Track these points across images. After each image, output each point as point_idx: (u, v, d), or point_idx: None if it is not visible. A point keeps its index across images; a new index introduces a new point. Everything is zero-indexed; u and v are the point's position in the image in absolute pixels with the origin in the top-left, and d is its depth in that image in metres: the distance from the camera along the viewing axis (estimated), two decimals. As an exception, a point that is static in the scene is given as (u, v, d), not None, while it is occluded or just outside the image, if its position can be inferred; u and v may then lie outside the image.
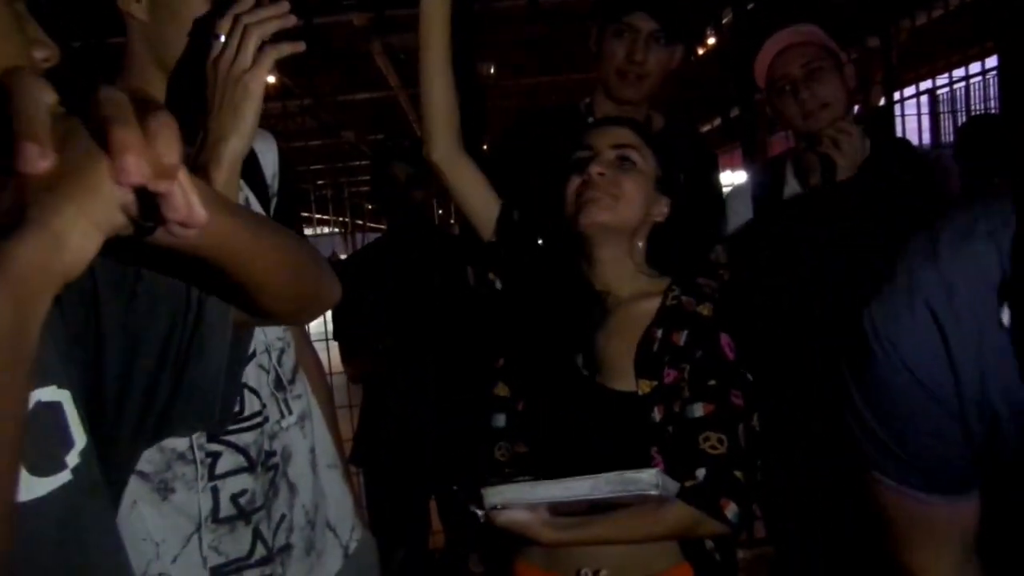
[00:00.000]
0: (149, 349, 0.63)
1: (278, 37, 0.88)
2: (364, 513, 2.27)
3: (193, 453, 0.98)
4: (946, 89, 6.23)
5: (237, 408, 1.00)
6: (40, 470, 0.53)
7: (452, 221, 3.41)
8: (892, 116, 4.33)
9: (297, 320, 1.04)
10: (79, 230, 0.43)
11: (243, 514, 1.01)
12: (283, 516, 1.06)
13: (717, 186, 1.87)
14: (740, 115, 3.57)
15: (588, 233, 1.20)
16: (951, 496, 0.79)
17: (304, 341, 1.32)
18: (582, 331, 1.20)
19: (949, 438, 0.73)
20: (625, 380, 1.16)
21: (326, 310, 0.90)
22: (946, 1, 4.13)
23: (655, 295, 1.21)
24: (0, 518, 0.44)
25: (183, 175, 0.45)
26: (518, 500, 1.06)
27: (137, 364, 0.62)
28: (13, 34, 0.57)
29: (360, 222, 9.16)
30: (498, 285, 1.34)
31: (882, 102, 4.26)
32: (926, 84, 6.46)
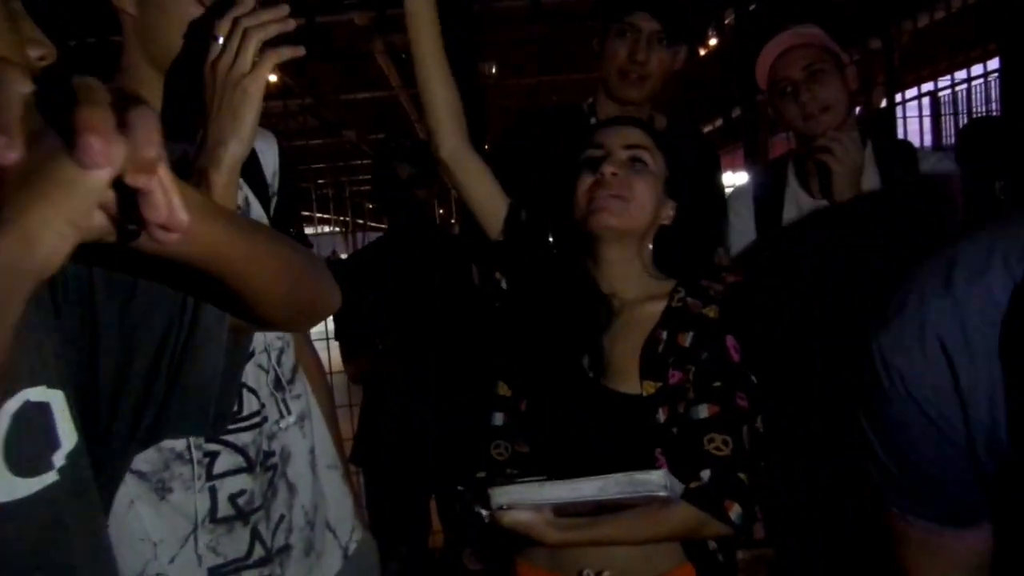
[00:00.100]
0: (144, 351, 0.62)
1: (278, 41, 0.88)
2: (364, 513, 2.28)
3: (190, 453, 0.97)
4: (947, 91, 6.23)
5: (235, 408, 1.00)
6: (24, 471, 0.53)
7: (453, 220, 3.41)
8: (894, 118, 4.33)
9: (295, 328, 1.03)
10: (53, 229, 0.41)
11: (241, 514, 1.01)
12: (282, 517, 1.06)
13: (720, 187, 1.87)
14: (742, 116, 3.57)
15: (598, 235, 1.20)
16: (959, 527, 0.78)
17: (304, 341, 1.31)
18: (588, 333, 1.20)
19: (956, 470, 0.72)
20: (630, 382, 1.16)
21: (325, 318, 0.90)
22: (948, 3, 4.12)
23: (660, 297, 1.21)
24: None
25: (165, 175, 0.44)
26: (525, 500, 1.06)
27: (132, 366, 0.62)
28: (7, 32, 0.57)
29: (361, 221, 9.16)
30: (504, 285, 1.33)
31: (883, 104, 4.26)
32: (927, 86, 6.45)
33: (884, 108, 4.25)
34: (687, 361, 1.15)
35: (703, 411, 1.13)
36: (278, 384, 1.08)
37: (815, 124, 1.58)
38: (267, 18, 0.87)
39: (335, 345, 2.48)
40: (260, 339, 1.07)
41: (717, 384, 1.13)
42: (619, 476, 1.02)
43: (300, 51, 0.89)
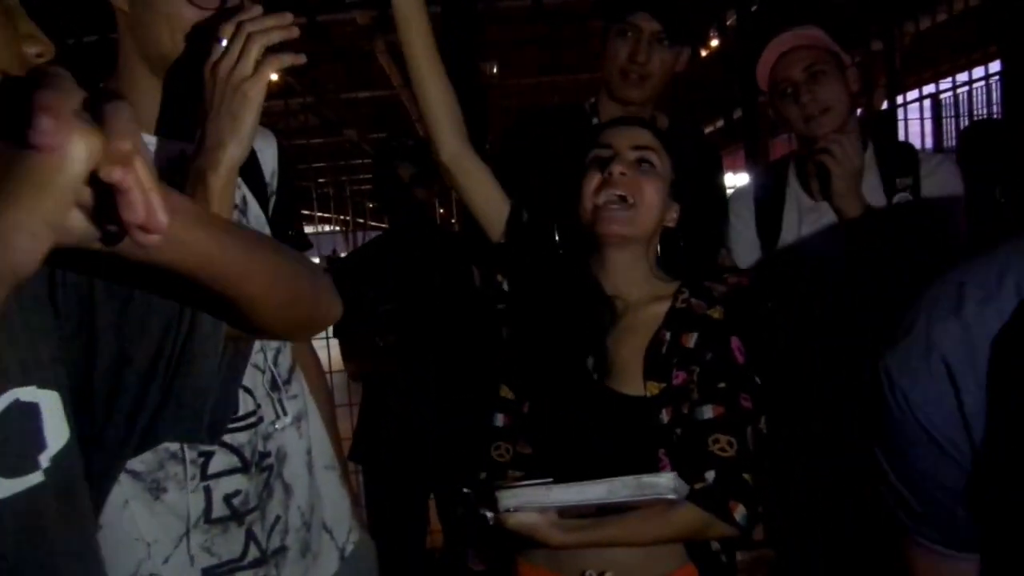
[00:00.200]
0: (141, 355, 0.62)
1: (280, 47, 0.88)
2: (362, 512, 2.28)
3: (184, 452, 0.97)
4: (949, 93, 6.22)
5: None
6: (7, 471, 0.53)
7: (453, 220, 3.41)
8: (895, 120, 4.33)
9: (293, 338, 1.03)
10: (27, 229, 0.41)
11: (236, 515, 1.00)
12: (278, 517, 1.06)
13: (721, 188, 1.87)
14: (743, 117, 3.57)
15: (604, 240, 1.20)
16: (970, 551, 0.78)
17: (304, 343, 1.31)
18: (592, 334, 1.20)
19: (962, 493, 0.72)
20: (634, 383, 1.16)
21: (324, 329, 0.89)
22: (950, 5, 4.12)
23: (665, 298, 1.21)
24: None
25: (144, 173, 0.43)
26: (532, 503, 1.06)
27: (128, 369, 0.62)
28: (3, 29, 0.57)
29: (361, 220, 9.15)
30: (505, 286, 1.33)
31: (885, 106, 4.26)
32: (929, 88, 6.45)
33: (885, 110, 4.25)
34: (691, 362, 1.15)
35: (708, 412, 1.13)
36: (274, 384, 1.08)
37: (816, 125, 1.57)
38: (271, 23, 0.86)
39: (335, 343, 2.48)
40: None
41: (722, 385, 1.14)
42: (627, 479, 1.02)
43: (301, 58, 0.89)
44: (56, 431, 0.56)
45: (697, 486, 1.10)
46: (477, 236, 1.39)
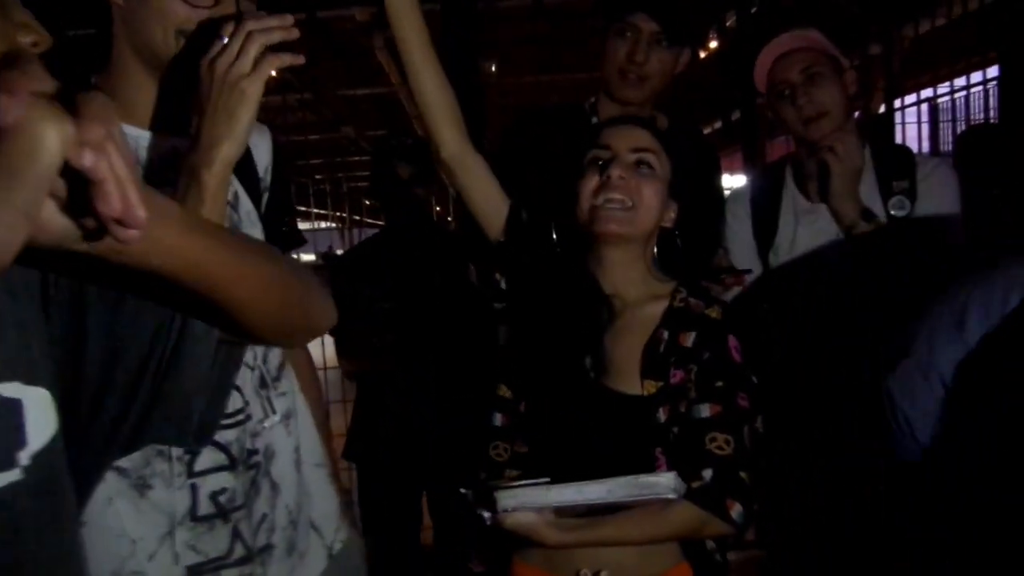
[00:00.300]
0: (131, 355, 0.62)
1: (279, 47, 0.87)
2: (355, 510, 2.27)
3: (170, 449, 0.96)
4: (946, 98, 6.23)
5: None
6: None
7: (450, 219, 3.40)
8: (892, 124, 4.34)
9: (284, 344, 1.02)
10: (1, 221, 0.40)
11: (222, 513, 1.00)
12: (264, 515, 1.05)
13: (719, 189, 1.87)
14: (741, 118, 3.57)
15: (602, 240, 1.20)
16: None
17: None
18: (589, 333, 1.20)
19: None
20: (631, 382, 1.16)
21: (317, 336, 0.89)
22: (949, 9, 4.13)
23: (662, 297, 1.21)
24: None
25: (119, 166, 0.43)
26: (531, 503, 1.06)
27: (117, 369, 0.62)
28: None
29: (358, 218, 9.15)
30: (503, 285, 1.32)
31: (882, 109, 4.27)
32: (926, 92, 6.46)
33: (883, 113, 4.26)
34: (689, 361, 1.16)
35: (705, 410, 1.13)
36: (263, 382, 1.07)
37: (813, 128, 1.58)
38: (273, 23, 0.86)
39: (329, 340, 2.47)
40: None
41: (719, 384, 1.14)
42: (627, 479, 1.02)
43: (300, 59, 0.88)
44: (39, 428, 0.55)
45: (694, 484, 1.10)
46: (475, 235, 1.39)
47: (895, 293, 1.42)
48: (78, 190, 0.43)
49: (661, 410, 1.15)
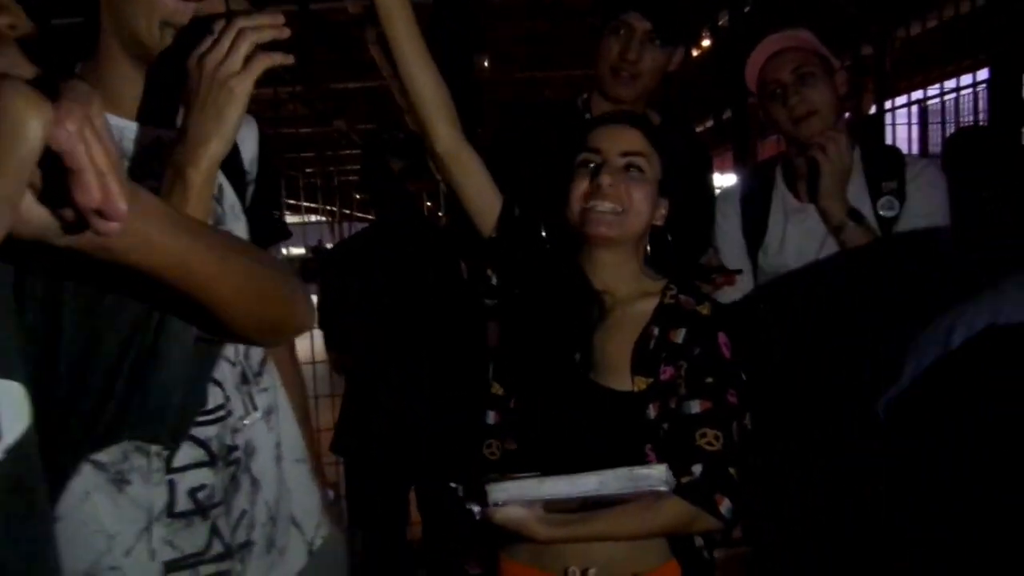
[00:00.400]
0: (108, 350, 0.61)
1: (270, 46, 0.86)
2: (342, 506, 2.27)
3: (148, 445, 0.95)
4: (936, 100, 6.27)
5: None
6: None
7: (440, 214, 3.40)
8: (882, 125, 4.36)
9: (264, 343, 1.01)
10: None
11: (200, 509, 0.99)
12: (244, 512, 1.04)
13: (710, 187, 1.88)
14: (732, 117, 3.59)
15: (593, 241, 1.21)
16: None
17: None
18: (580, 329, 1.20)
19: None
20: (621, 378, 1.17)
21: (296, 336, 0.89)
22: (941, 12, 4.15)
23: (653, 294, 1.22)
24: None
25: (101, 157, 0.42)
26: (524, 496, 1.06)
27: (94, 364, 0.61)
28: None
29: (348, 211, 9.13)
30: (494, 281, 1.32)
31: (873, 110, 4.29)
32: (917, 94, 6.50)
33: (874, 115, 4.28)
34: (679, 357, 1.16)
35: (695, 406, 1.14)
36: (244, 378, 1.06)
37: (803, 127, 1.58)
38: (264, 21, 0.85)
39: (318, 334, 2.47)
40: None
41: (709, 380, 1.14)
42: (619, 471, 1.02)
43: (290, 59, 0.87)
44: (12, 423, 0.54)
45: (684, 480, 1.10)
46: (467, 230, 1.38)
47: (890, 298, 1.43)
48: (57, 180, 0.43)
49: (651, 406, 1.15)
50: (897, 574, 0.88)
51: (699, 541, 1.18)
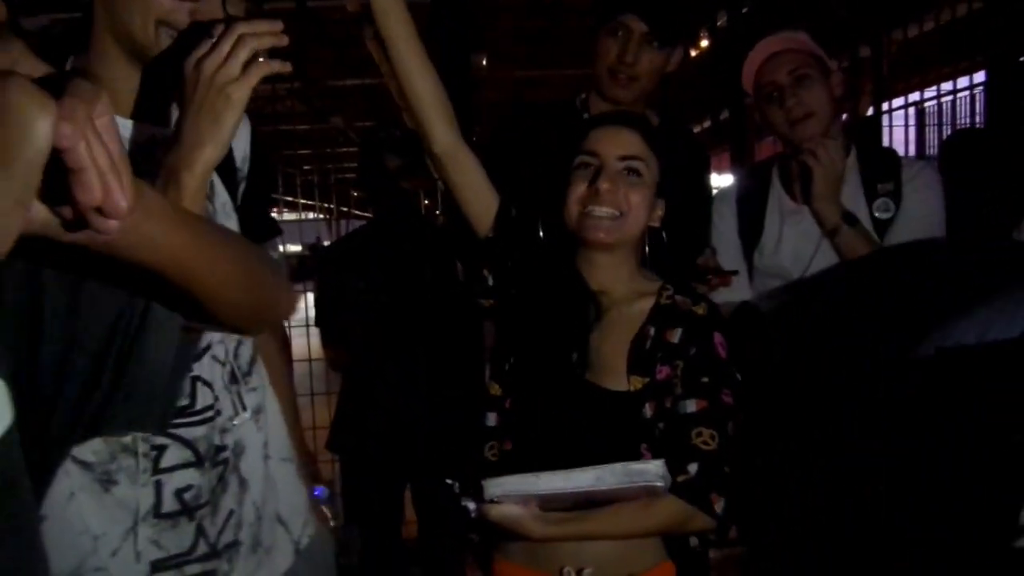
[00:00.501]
0: (91, 340, 0.61)
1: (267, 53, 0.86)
2: (339, 502, 2.27)
3: (136, 445, 0.94)
4: (933, 102, 6.28)
5: (188, 402, 0.98)
6: None
7: (438, 212, 3.40)
8: (879, 126, 4.37)
9: (247, 331, 1.00)
10: None
11: (187, 510, 0.98)
12: (231, 512, 1.04)
13: (708, 188, 1.88)
14: (730, 118, 3.59)
15: (591, 247, 1.21)
16: None
17: (267, 332, 1.27)
18: (576, 330, 1.20)
19: None
20: (617, 378, 1.17)
21: (278, 322, 0.89)
22: (938, 15, 4.16)
23: (649, 295, 1.22)
24: None
25: (101, 157, 0.42)
26: (520, 491, 1.06)
27: (77, 354, 0.61)
28: None
29: (345, 209, 9.12)
30: (490, 282, 1.32)
31: (870, 112, 4.30)
32: (914, 96, 6.51)
33: (871, 116, 4.29)
34: (675, 357, 1.17)
35: (691, 406, 1.14)
36: (234, 378, 1.05)
37: (799, 129, 1.59)
38: (263, 28, 0.84)
39: (315, 331, 2.47)
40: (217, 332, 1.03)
41: (705, 380, 1.15)
42: (615, 466, 1.03)
43: (288, 67, 0.87)
44: None
45: (679, 479, 1.11)
46: (463, 230, 1.38)
47: (887, 309, 1.44)
48: (58, 178, 0.43)
49: (647, 406, 1.16)
50: (897, 574, 0.88)
51: (694, 541, 1.19)
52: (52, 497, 0.88)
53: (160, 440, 0.96)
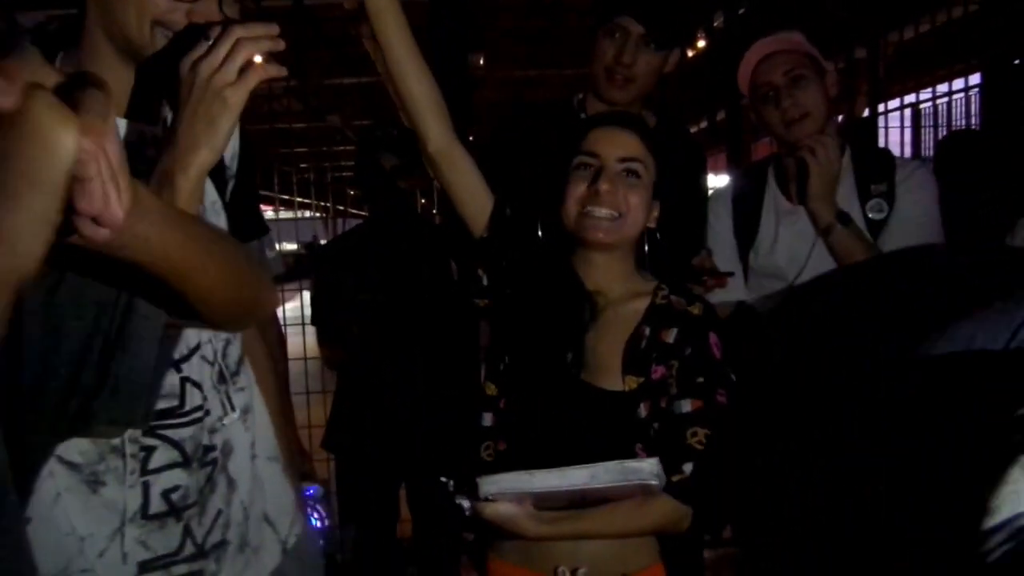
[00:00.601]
0: (73, 338, 0.61)
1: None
2: (334, 501, 2.27)
3: (124, 446, 0.93)
4: (929, 104, 6.29)
5: (177, 402, 0.97)
6: None
7: (435, 211, 3.40)
8: (875, 128, 4.38)
9: (230, 328, 1.00)
10: (28, 231, 0.41)
11: (174, 511, 0.98)
12: (219, 512, 1.03)
13: (704, 188, 1.88)
14: (726, 119, 3.60)
15: (589, 246, 1.22)
16: None
17: (253, 330, 1.26)
18: (572, 329, 1.21)
19: None
20: (612, 378, 1.17)
21: (259, 320, 0.89)
22: (933, 17, 4.17)
23: (645, 295, 1.22)
24: None
25: (105, 166, 0.43)
26: (514, 489, 1.06)
27: (59, 353, 0.61)
28: None
29: (342, 207, 9.12)
30: (485, 281, 1.32)
31: (866, 113, 4.31)
32: (910, 98, 6.52)
33: (867, 118, 4.30)
34: (670, 357, 1.17)
35: (686, 406, 1.15)
36: (222, 378, 1.05)
37: (795, 129, 1.59)
38: (261, 32, 0.84)
39: (311, 330, 2.47)
40: (206, 331, 1.03)
41: (700, 380, 1.16)
42: (610, 464, 1.03)
43: (284, 71, 0.87)
44: None
45: (674, 478, 1.11)
46: (458, 230, 1.38)
47: (885, 314, 1.44)
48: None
49: (642, 406, 1.16)
50: (897, 574, 0.88)
51: (687, 541, 1.19)
52: (38, 499, 0.87)
53: (149, 441, 0.96)
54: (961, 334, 0.70)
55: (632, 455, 1.15)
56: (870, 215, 1.61)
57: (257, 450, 1.11)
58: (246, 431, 1.09)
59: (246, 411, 1.09)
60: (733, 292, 1.69)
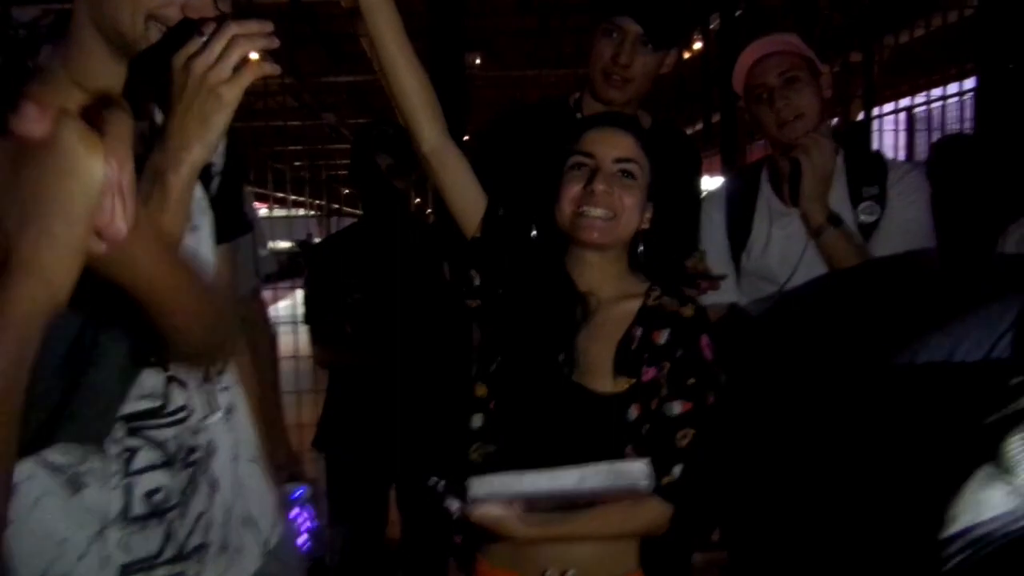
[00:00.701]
0: (49, 353, 0.60)
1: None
2: (323, 501, 2.25)
3: (107, 447, 0.92)
4: (923, 107, 6.31)
5: (161, 402, 0.96)
6: None
7: (428, 211, 3.40)
8: (869, 131, 4.39)
9: (191, 363, 0.98)
10: (64, 264, 0.43)
11: (156, 512, 0.97)
12: (201, 514, 1.02)
13: (698, 190, 1.88)
14: (721, 121, 3.60)
15: (583, 247, 1.22)
16: None
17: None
18: (564, 330, 1.21)
19: None
20: (603, 379, 1.17)
21: (223, 360, 0.90)
22: (928, 21, 4.19)
23: (636, 296, 1.22)
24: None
25: (117, 186, 0.44)
26: (504, 491, 1.06)
27: (42, 364, 0.60)
28: None
29: (336, 205, 9.10)
30: (476, 282, 1.32)
31: (860, 117, 4.32)
32: (904, 102, 6.54)
33: (861, 121, 4.31)
34: (662, 358, 1.17)
35: (677, 407, 1.15)
36: (207, 376, 1.04)
37: (789, 131, 1.59)
38: (256, 29, 0.83)
39: (303, 329, 2.46)
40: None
41: (691, 381, 1.16)
42: (600, 466, 1.03)
43: (278, 69, 0.87)
44: None
45: (664, 480, 1.11)
46: (451, 230, 1.37)
47: (878, 319, 1.44)
48: None
49: (632, 407, 1.16)
50: (897, 574, 0.89)
51: (670, 545, 1.19)
52: (16, 502, 0.86)
53: (132, 442, 0.94)
54: (945, 342, 0.70)
55: (622, 457, 1.14)
56: (862, 218, 1.61)
57: (239, 451, 1.10)
58: (229, 431, 1.08)
59: (229, 411, 1.08)
60: (725, 294, 1.69)
